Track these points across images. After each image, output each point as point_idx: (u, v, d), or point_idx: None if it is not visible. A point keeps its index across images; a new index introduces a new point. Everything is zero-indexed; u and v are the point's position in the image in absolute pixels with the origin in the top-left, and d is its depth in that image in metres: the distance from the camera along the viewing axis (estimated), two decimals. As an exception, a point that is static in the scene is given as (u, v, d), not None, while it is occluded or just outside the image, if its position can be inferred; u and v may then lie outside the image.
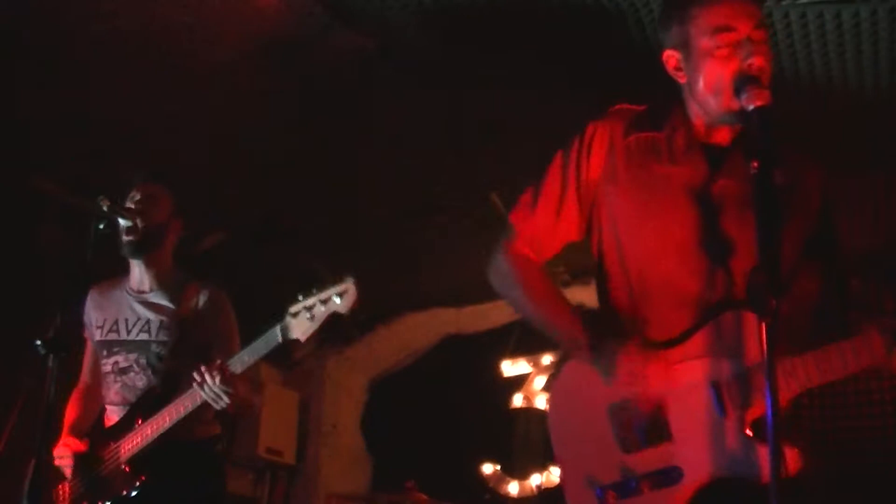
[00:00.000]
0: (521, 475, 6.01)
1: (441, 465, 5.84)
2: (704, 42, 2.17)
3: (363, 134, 4.49)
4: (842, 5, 3.28)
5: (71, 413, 3.62)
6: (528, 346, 6.10)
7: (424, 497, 5.10)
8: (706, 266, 2.19)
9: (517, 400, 6.19)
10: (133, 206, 3.54)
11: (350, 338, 6.53)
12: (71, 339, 2.83)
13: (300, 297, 2.99)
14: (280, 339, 3.04)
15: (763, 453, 1.98)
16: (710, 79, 2.18)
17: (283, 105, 4.26)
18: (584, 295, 5.31)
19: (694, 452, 2.09)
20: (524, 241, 2.43)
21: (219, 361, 3.18)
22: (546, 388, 6.11)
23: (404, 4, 3.47)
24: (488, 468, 6.12)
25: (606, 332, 2.28)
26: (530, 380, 6.19)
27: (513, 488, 6.01)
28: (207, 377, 3.13)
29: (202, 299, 3.61)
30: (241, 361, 3.17)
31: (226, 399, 3.16)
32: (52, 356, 2.79)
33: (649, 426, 2.16)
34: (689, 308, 2.19)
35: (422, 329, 6.53)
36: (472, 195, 5.04)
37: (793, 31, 3.44)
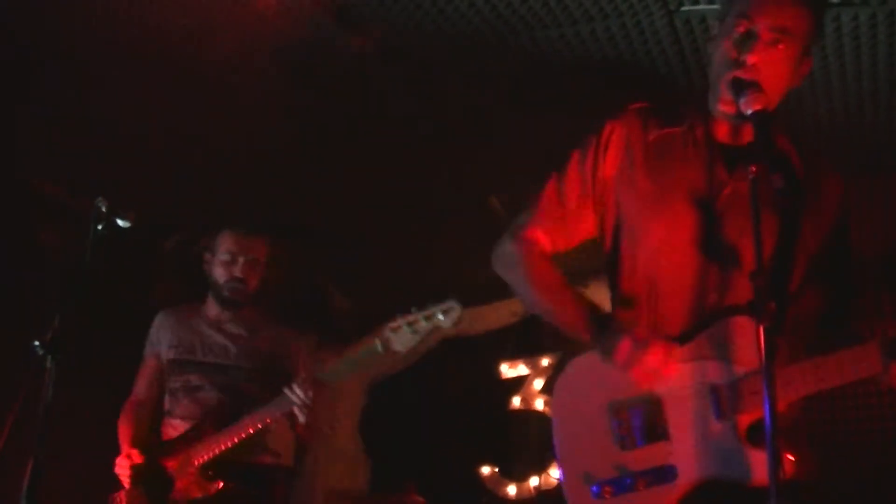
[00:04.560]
0: (520, 477, 6.01)
1: (439, 468, 5.84)
2: (730, 25, 2.17)
3: (363, 136, 4.49)
4: (841, 8, 3.28)
5: (128, 427, 3.89)
6: (526, 348, 6.10)
7: (422, 499, 5.10)
8: (712, 268, 2.20)
9: (516, 402, 6.19)
10: (240, 273, 3.86)
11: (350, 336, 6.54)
12: (69, 341, 2.84)
13: (398, 316, 3.23)
14: (381, 350, 3.27)
15: (756, 457, 2.00)
16: (715, 64, 2.20)
17: (282, 107, 4.26)
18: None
19: (689, 452, 2.12)
20: (541, 228, 2.43)
21: (306, 375, 3.50)
22: (545, 390, 6.12)
23: (403, 7, 3.47)
24: (486, 470, 6.13)
25: (611, 323, 2.29)
26: (529, 382, 6.19)
27: (511, 490, 6.01)
28: (298, 388, 3.42)
29: (276, 334, 3.95)
30: (337, 372, 3.51)
31: (308, 407, 3.48)
32: (50, 357, 2.80)
33: (648, 425, 2.17)
34: (694, 308, 2.20)
35: (420, 331, 6.52)
36: (472, 197, 5.04)
37: (792, 35, 3.45)
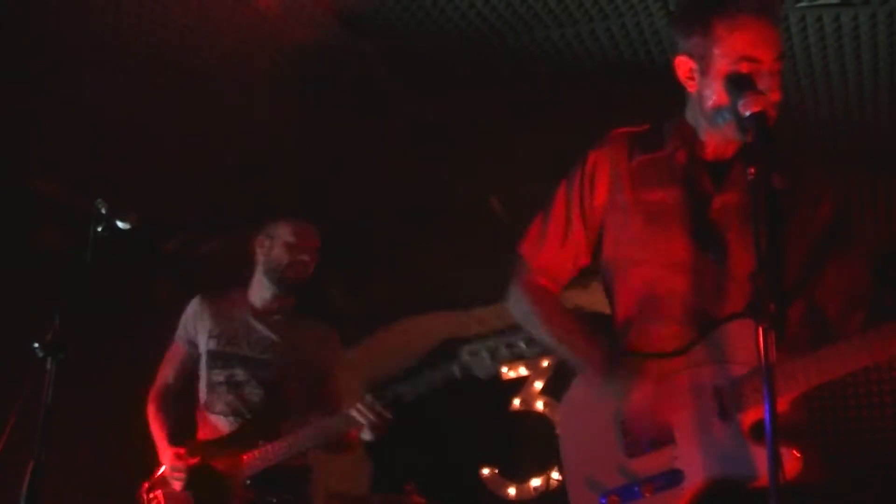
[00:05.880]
0: (520, 478, 6.01)
1: (440, 468, 5.83)
2: (725, 65, 2.17)
3: (362, 137, 4.49)
4: (841, 8, 3.28)
5: (161, 418, 3.80)
6: (527, 349, 6.09)
7: (423, 500, 5.09)
8: (709, 281, 2.23)
9: (516, 403, 6.19)
10: (307, 256, 3.85)
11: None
12: (69, 342, 2.83)
13: (474, 339, 3.18)
14: (458, 375, 3.25)
15: (762, 456, 2.00)
16: (724, 98, 2.19)
17: (283, 107, 4.26)
18: (583, 298, 5.32)
19: (695, 455, 2.13)
20: (538, 272, 2.49)
21: (372, 398, 3.46)
22: (545, 392, 6.11)
23: (405, 7, 3.47)
24: (487, 471, 6.12)
25: (613, 343, 2.35)
26: (529, 383, 6.19)
27: (511, 491, 6.01)
28: (369, 410, 3.43)
29: (320, 332, 3.92)
30: (411, 392, 3.46)
31: (382, 427, 3.46)
32: (50, 359, 2.80)
33: (654, 430, 2.17)
34: (693, 321, 2.23)
35: (421, 332, 6.52)
36: (472, 198, 5.04)
37: (792, 35, 3.45)
